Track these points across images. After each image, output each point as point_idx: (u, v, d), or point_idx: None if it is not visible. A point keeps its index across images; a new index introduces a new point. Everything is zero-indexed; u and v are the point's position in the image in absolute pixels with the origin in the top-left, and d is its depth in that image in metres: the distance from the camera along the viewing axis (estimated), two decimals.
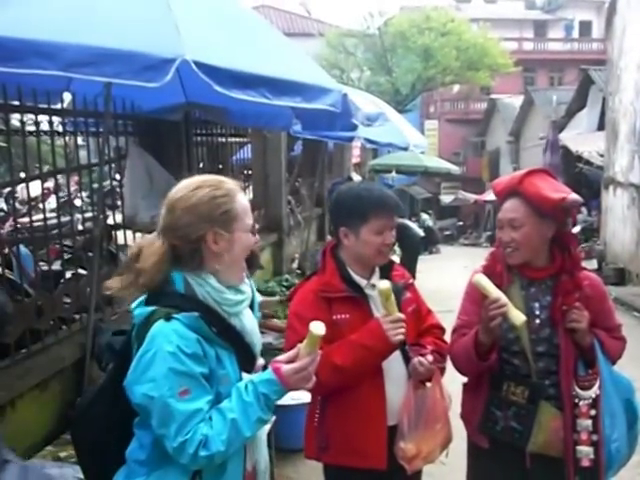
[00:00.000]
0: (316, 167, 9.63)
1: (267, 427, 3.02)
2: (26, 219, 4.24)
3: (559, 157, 16.50)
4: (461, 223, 32.53)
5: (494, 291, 2.42)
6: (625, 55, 13.51)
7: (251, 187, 8.50)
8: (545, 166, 14.91)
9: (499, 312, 2.37)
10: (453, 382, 2.70)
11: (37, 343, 3.62)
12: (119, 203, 4.93)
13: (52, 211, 5.29)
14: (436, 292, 8.81)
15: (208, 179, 1.92)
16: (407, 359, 2.52)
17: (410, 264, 9.25)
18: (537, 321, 2.50)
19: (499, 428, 2.53)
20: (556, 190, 2.48)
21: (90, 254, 4.07)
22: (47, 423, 3.58)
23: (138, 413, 1.81)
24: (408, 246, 10.01)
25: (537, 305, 2.51)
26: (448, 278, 11.76)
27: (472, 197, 29.81)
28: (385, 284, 2.39)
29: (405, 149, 9.89)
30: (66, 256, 4.53)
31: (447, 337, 2.75)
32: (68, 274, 4.28)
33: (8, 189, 5.63)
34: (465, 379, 2.74)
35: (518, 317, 2.37)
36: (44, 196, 4.64)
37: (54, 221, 4.33)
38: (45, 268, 4.03)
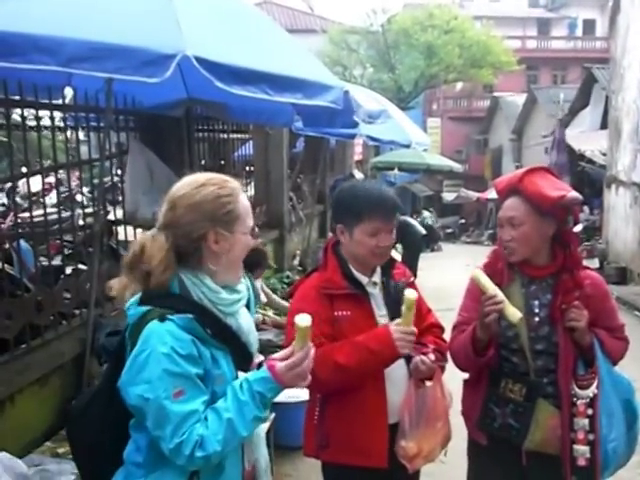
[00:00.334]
0: (318, 164, 9.63)
1: (266, 425, 3.02)
2: (27, 214, 4.24)
3: (566, 156, 16.44)
4: (463, 221, 32.47)
5: (491, 287, 2.42)
6: (628, 54, 13.49)
7: (253, 183, 8.50)
8: (551, 165, 14.91)
9: (495, 308, 2.37)
10: (453, 379, 2.69)
11: (37, 338, 3.62)
12: (120, 199, 4.93)
13: (53, 206, 5.28)
14: (437, 290, 8.81)
15: (212, 177, 1.89)
16: (408, 358, 2.49)
17: (411, 262, 9.25)
18: (536, 319, 2.49)
19: (497, 425, 2.53)
20: (556, 188, 2.47)
21: (90, 249, 4.06)
22: (46, 419, 3.58)
23: (133, 414, 1.80)
24: (410, 244, 10.02)
25: (537, 303, 2.51)
26: (449, 276, 11.75)
27: (474, 195, 29.73)
28: (413, 294, 2.36)
29: (407, 147, 9.90)
30: (67, 251, 4.53)
31: (447, 336, 2.74)
32: (68, 269, 4.28)
33: (9, 184, 5.62)
34: (465, 375, 2.74)
35: (514, 314, 2.37)
36: (46, 191, 4.64)
37: (55, 216, 4.33)
38: (45, 263, 4.03)
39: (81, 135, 4.53)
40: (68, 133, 4.54)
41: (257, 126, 7.93)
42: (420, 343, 2.54)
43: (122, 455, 1.85)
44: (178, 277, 1.82)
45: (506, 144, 31.36)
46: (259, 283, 5.71)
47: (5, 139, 3.84)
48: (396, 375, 2.50)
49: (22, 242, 4.04)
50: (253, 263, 5.31)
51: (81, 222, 4.75)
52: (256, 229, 2.08)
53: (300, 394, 3.81)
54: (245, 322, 1.96)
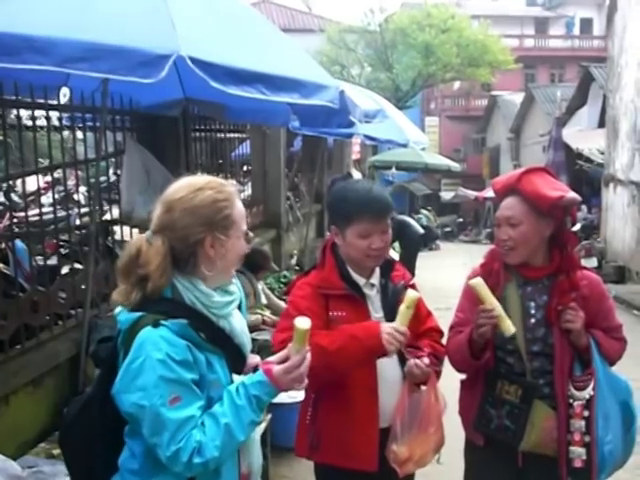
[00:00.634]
0: (316, 163, 9.62)
1: (261, 427, 3.01)
2: (23, 213, 4.22)
3: (563, 154, 16.44)
4: (461, 220, 32.46)
5: (489, 299, 2.40)
6: (626, 52, 13.51)
7: (250, 183, 8.49)
8: (549, 163, 14.91)
9: (488, 322, 2.37)
10: (451, 379, 2.68)
11: (32, 339, 3.60)
12: (117, 198, 4.91)
13: (50, 206, 5.26)
14: (435, 289, 8.83)
15: (210, 181, 1.87)
16: (402, 361, 2.48)
17: (409, 261, 9.26)
18: (532, 320, 2.49)
19: (493, 426, 2.53)
20: (554, 188, 2.46)
21: (87, 249, 4.05)
22: (41, 420, 3.56)
23: (128, 421, 1.78)
24: (407, 243, 10.02)
25: (533, 304, 2.50)
26: (447, 275, 11.75)
27: (472, 194, 29.74)
28: (415, 294, 2.35)
29: (405, 146, 9.86)
30: (63, 251, 4.51)
31: (445, 338, 2.72)
32: (64, 269, 4.26)
33: (6, 184, 5.60)
34: (463, 376, 2.73)
35: (508, 329, 2.37)
36: (43, 190, 4.62)
37: (51, 216, 4.31)
38: (41, 263, 4.02)
39: (79, 135, 4.50)
40: (65, 133, 4.52)
41: (254, 126, 7.91)
42: (415, 346, 2.52)
43: (116, 462, 1.83)
44: (171, 281, 1.80)
45: (504, 143, 31.37)
46: (261, 285, 5.71)
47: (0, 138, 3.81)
48: (390, 378, 2.48)
49: (18, 242, 4.02)
50: (256, 265, 5.32)
51: (78, 222, 4.73)
52: (250, 233, 2.07)
53: (298, 395, 3.80)
54: (237, 323, 1.95)
